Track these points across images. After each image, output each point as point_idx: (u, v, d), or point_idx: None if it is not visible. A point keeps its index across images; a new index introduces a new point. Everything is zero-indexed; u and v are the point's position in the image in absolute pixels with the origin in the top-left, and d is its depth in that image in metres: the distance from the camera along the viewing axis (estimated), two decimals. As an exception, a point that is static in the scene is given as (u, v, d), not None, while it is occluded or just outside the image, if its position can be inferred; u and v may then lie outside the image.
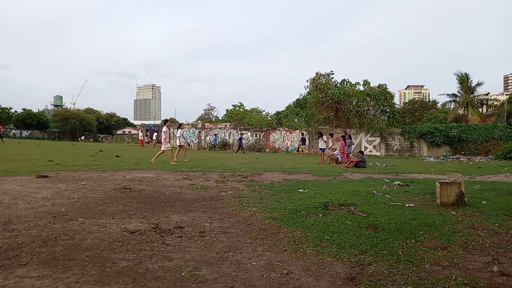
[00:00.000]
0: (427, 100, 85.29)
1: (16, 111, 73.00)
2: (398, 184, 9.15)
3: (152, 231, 4.39)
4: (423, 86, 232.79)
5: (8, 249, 3.57)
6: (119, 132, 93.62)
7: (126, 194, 7.10)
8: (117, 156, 19.07)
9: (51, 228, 4.39)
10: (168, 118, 17.36)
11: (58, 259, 3.35)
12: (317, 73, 34.71)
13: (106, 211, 5.46)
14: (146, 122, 78.00)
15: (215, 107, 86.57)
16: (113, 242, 3.91)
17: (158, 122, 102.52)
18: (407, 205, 6.31)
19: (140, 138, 41.52)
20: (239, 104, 71.85)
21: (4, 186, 7.46)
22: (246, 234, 4.42)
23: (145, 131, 43.30)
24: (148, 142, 41.37)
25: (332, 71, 34.74)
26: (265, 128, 37.46)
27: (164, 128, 16.27)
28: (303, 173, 12.21)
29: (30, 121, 69.93)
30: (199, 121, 58.51)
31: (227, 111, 69.37)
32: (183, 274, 3.07)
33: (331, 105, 33.15)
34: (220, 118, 71.78)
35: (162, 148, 15.76)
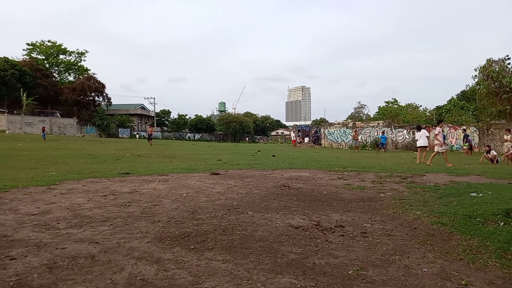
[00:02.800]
0: None
1: (190, 117, 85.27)
2: None
3: (314, 228, 4.57)
4: None
5: (197, 235, 4.24)
6: (273, 133, 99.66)
7: (285, 191, 7.54)
8: (273, 155, 20.32)
9: (227, 219, 5.02)
10: (441, 119, 16.82)
11: (236, 247, 3.81)
12: (488, 60, 30.06)
13: (271, 207, 5.92)
14: (298, 123, 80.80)
15: (365, 105, 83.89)
16: (280, 236, 4.23)
17: (308, 122, 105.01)
18: None
19: (292, 139, 43.28)
20: (393, 100, 67.77)
21: (187, 181, 8.83)
22: (412, 238, 4.19)
23: (297, 132, 44.91)
24: (300, 142, 42.77)
25: (507, 56, 29.58)
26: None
27: (437, 129, 15.47)
28: (474, 175, 10.75)
29: (201, 126, 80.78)
30: (349, 120, 57.58)
31: (379, 108, 66.33)
32: (349, 272, 3.11)
33: (508, 95, 28.20)
34: (372, 116, 69.06)
35: (436, 150, 15.30)
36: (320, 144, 41.20)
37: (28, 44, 65.66)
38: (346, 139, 38.17)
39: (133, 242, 3.91)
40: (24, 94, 51.30)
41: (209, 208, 5.74)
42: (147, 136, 32.85)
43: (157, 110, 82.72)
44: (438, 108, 57.54)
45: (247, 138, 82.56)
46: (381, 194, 7.25)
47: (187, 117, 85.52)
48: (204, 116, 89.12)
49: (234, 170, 11.62)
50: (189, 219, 5.00)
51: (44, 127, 42.53)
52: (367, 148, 34.46)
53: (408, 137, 33.51)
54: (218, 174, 10.32)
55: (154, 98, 79.89)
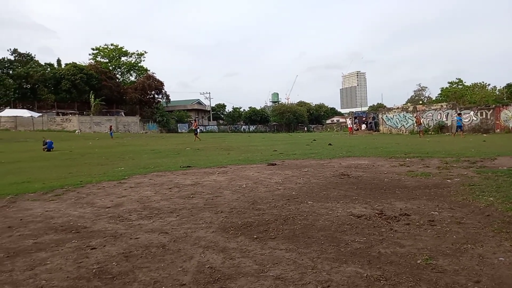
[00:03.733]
0: None
1: (244, 110, 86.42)
2: None
3: (378, 217, 4.46)
4: None
5: (259, 225, 4.33)
6: (328, 121, 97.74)
7: (345, 180, 7.41)
8: (330, 144, 20.00)
9: (287, 209, 5.06)
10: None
11: (298, 236, 3.84)
12: None
13: (330, 196, 5.87)
14: (353, 110, 78.59)
15: (426, 87, 78.93)
16: (342, 225, 4.19)
17: (365, 109, 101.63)
18: None
19: (349, 126, 42.24)
20: (457, 81, 63.42)
21: (245, 172, 9.00)
22: (485, 226, 3.94)
23: (353, 118, 43.72)
24: (357, 130, 41.60)
25: None
26: (493, 105, 31.76)
27: None
28: (556, 157, 9.79)
29: (255, 117, 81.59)
30: (409, 104, 54.79)
31: (442, 90, 62.46)
32: (418, 261, 3.01)
33: None
34: (434, 99, 65.20)
35: None
36: (378, 131, 39.75)
37: (93, 49, 70.59)
38: (406, 124, 36.40)
39: (199, 232, 4.09)
40: (92, 96, 55.16)
41: (268, 198, 5.83)
42: (194, 131, 32.01)
43: (213, 105, 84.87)
44: (509, 86, 52.74)
45: (305, 128, 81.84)
46: (448, 180, 6.88)
47: (242, 109, 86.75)
48: (258, 108, 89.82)
49: (290, 160, 11.63)
50: (250, 209, 5.11)
51: (111, 126, 45.45)
52: (430, 132, 32.64)
53: (475, 119, 31.18)
54: (275, 164, 10.40)
55: (209, 93, 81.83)
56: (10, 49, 62.14)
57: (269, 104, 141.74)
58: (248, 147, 20.23)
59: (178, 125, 67.85)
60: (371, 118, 43.63)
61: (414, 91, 79.23)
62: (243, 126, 79.61)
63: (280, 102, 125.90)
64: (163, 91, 68.05)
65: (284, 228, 4.15)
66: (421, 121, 30.95)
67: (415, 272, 2.82)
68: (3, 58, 57.78)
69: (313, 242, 3.62)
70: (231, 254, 3.36)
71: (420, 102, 52.76)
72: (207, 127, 73.53)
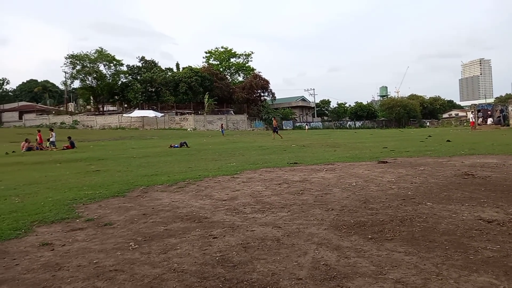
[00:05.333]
0: None
1: (349, 105, 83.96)
2: None
3: (514, 223, 3.93)
4: None
5: (373, 225, 4.18)
6: (445, 115, 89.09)
7: (469, 180, 6.69)
8: (448, 141, 18.23)
9: (403, 209, 4.78)
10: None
11: (418, 239, 3.60)
12: None
13: (452, 197, 5.36)
14: (476, 102, 70.10)
15: None
16: (469, 230, 3.80)
17: (490, 100, 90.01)
18: None
19: (471, 120, 37.88)
20: None
21: (354, 170, 8.75)
22: None
23: (476, 112, 39.03)
24: (481, 124, 37.05)
25: None
26: None
27: None
28: None
29: (361, 113, 78.66)
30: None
31: None
32: None
33: None
34: None
35: None
36: (508, 125, 34.80)
37: (206, 52, 76.31)
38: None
39: (311, 228, 4.12)
40: (206, 96, 59.61)
41: (381, 197, 5.58)
42: (274, 129, 31.70)
43: (317, 101, 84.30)
44: None
45: (427, 122, 75.89)
46: None
47: (347, 105, 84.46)
48: (364, 103, 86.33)
49: (403, 158, 10.93)
50: (362, 208, 4.97)
51: (222, 124, 48.60)
52: None
53: None
54: (386, 162, 9.88)
55: (313, 89, 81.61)
56: (139, 57, 71.01)
57: (377, 98, 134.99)
58: (355, 143, 19.62)
59: (283, 122, 69.08)
60: (498, 111, 38.39)
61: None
62: (349, 122, 77.39)
63: (389, 96, 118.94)
64: (269, 89, 70.04)
65: (401, 229, 3.94)
66: None
67: None
68: (133, 66, 66.16)
69: (435, 247, 3.36)
70: (345, 253, 3.32)
71: None
72: (311, 123, 73.34)
